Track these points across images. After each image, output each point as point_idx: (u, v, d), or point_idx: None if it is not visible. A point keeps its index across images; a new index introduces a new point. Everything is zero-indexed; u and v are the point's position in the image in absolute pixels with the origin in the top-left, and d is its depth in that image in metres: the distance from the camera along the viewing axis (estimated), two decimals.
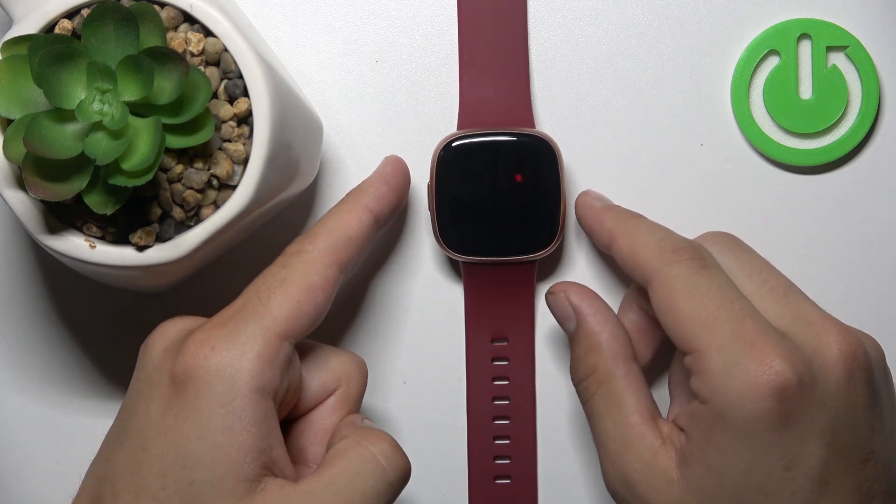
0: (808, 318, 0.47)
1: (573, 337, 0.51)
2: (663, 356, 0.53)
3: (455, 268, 0.55)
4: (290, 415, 0.48)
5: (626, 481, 0.48)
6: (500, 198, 0.53)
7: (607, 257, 0.55)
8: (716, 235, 0.51)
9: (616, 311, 0.52)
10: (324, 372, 0.48)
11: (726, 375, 0.45)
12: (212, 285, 0.55)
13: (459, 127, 0.54)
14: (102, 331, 0.56)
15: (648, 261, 0.48)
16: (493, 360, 0.55)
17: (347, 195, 0.51)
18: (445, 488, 0.55)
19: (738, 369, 0.45)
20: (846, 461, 0.46)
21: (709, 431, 0.46)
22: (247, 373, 0.45)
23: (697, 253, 0.48)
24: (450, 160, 0.53)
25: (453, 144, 0.53)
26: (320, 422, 0.48)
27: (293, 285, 0.47)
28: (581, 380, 0.50)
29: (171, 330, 0.47)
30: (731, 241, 0.50)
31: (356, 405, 0.48)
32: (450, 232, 0.53)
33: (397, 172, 0.52)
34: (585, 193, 0.53)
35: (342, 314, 0.55)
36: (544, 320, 0.55)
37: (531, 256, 0.53)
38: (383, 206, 0.51)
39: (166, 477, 0.44)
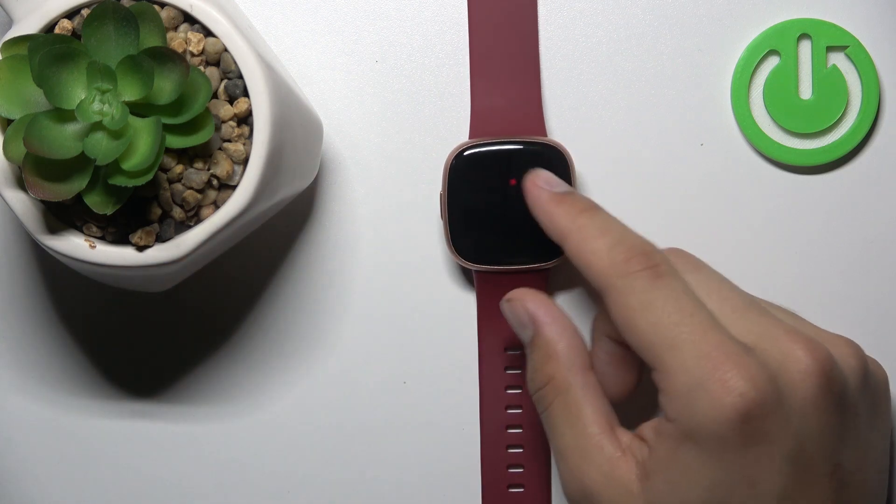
0: (773, 334, 0.46)
1: (530, 345, 0.50)
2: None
3: (467, 276, 0.55)
4: None
5: (586, 493, 0.47)
6: (512, 206, 0.53)
7: None
8: (669, 254, 0.49)
9: (588, 331, 0.51)
10: None
11: (690, 397, 0.45)
12: (212, 285, 0.55)
13: (471, 135, 0.54)
14: (102, 331, 0.56)
15: (600, 273, 0.47)
16: (507, 368, 0.54)
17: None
18: (457, 494, 0.55)
19: (701, 391, 0.45)
20: (811, 475, 0.45)
21: (673, 449, 0.45)
22: None
23: (650, 261, 0.47)
24: (462, 169, 0.53)
25: (465, 153, 0.53)
26: None
27: None
28: (538, 388, 0.49)
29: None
30: (685, 260, 0.49)
31: None
32: (462, 241, 0.53)
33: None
34: (534, 176, 0.51)
35: (353, 323, 0.55)
36: None
37: (543, 265, 0.53)
38: None
39: None
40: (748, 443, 0.45)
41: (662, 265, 0.47)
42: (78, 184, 0.45)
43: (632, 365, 0.50)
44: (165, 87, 0.46)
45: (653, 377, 0.46)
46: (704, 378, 0.45)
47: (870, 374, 0.49)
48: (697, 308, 0.46)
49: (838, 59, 0.55)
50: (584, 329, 0.51)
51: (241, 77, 0.47)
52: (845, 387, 0.47)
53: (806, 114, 0.54)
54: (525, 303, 0.50)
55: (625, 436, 0.48)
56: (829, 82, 0.54)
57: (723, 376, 0.44)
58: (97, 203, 0.46)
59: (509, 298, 0.51)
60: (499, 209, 0.53)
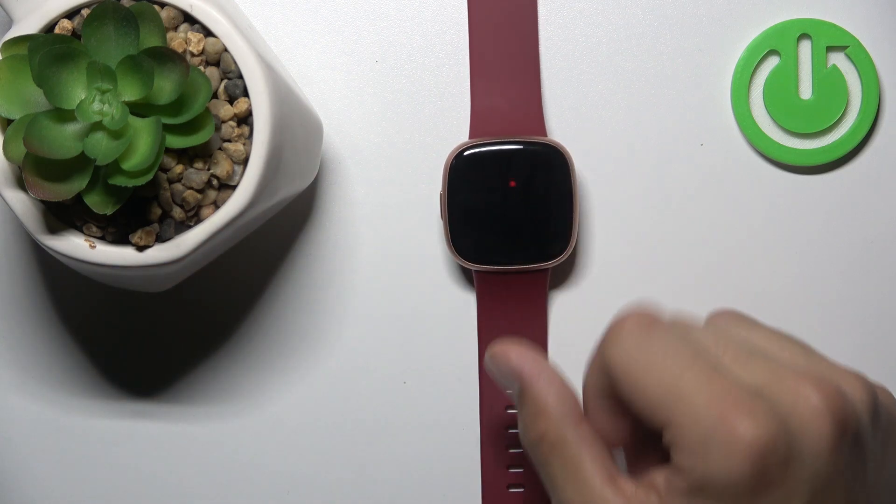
0: (780, 374, 0.45)
1: (518, 400, 0.49)
2: None
3: (467, 276, 0.55)
4: None
5: None
6: (512, 206, 0.53)
7: (621, 264, 0.55)
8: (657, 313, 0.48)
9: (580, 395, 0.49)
10: None
11: (703, 448, 0.43)
12: (212, 285, 0.55)
13: (471, 135, 0.54)
14: (102, 331, 0.56)
15: (599, 343, 0.46)
16: None
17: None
18: (457, 494, 0.55)
19: (714, 441, 0.43)
20: None
21: (687, 501, 0.44)
22: None
23: (643, 315, 0.46)
24: (462, 169, 0.53)
25: (465, 153, 0.53)
26: None
27: None
28: (532, 444, 0.48)
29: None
30: (679, 318, 0.48)
31: None
32: (462, 240, 0.53)
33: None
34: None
35: (353, 323, 0.55)
36: (557, 329, 0.55)
37: (544, 265, 0.53)
38: None
39: None
40: (763, 487, 0.43)
41: (652, 315, 0.46)
42: (78, 184, 0.45)
43: (626, 413, 0.48)
44: (165, 87, 0.46)
45: (664, 440, 0.45)
46: (714, 427, 0.43)
47: (880, 405, 0.47)
48: (695, 352, 0.45)
49: (838, 59, 0.55)
50: (583, 347, 0.51)
51: (241, 77, 0.47)
52: (858, 424, 0.45)
53: (806, 114, 0.54)
54: (508, 358, 0.49)
55: (627, 485, 0.46)
56: (829, 82, 0.54)
57: (731, 423, 0.43)
58: (97, 203, 0.46)
59: (492, 354, 0.49)
60: (499, 209, 0.53)
